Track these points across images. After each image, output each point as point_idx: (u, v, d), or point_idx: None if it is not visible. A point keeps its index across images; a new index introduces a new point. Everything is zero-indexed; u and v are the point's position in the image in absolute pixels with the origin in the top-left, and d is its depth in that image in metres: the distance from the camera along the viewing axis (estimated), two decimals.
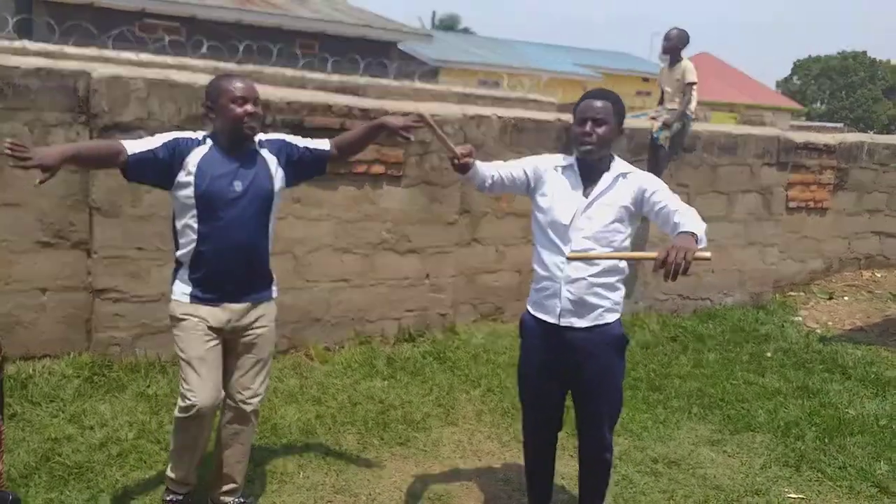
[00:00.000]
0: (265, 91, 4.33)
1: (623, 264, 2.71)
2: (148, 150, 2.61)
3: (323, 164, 2.94)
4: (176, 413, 2.75)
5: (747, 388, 4.73)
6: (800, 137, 6.48)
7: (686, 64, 5.66)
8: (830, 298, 6.66)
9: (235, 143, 2.69)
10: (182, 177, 2.63)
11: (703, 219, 2.44)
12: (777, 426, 4.15)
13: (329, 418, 3.86)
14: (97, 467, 3.21)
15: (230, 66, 8.10)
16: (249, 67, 8.38)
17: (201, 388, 2.67)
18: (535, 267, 2.77)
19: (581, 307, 2.66)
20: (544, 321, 2.72)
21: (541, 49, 28.32)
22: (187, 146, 2.66)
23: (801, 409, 4.39)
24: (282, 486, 3.21)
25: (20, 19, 13.23)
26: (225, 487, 2.90)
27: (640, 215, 2.70)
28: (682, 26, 5.79)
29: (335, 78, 8.88)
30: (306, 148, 2.88)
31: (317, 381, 4.31)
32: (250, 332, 2.79)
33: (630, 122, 5.76)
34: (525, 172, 2.80)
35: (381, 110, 4.53)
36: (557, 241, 2.67)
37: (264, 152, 2.77)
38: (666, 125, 5.53)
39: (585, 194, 2.68)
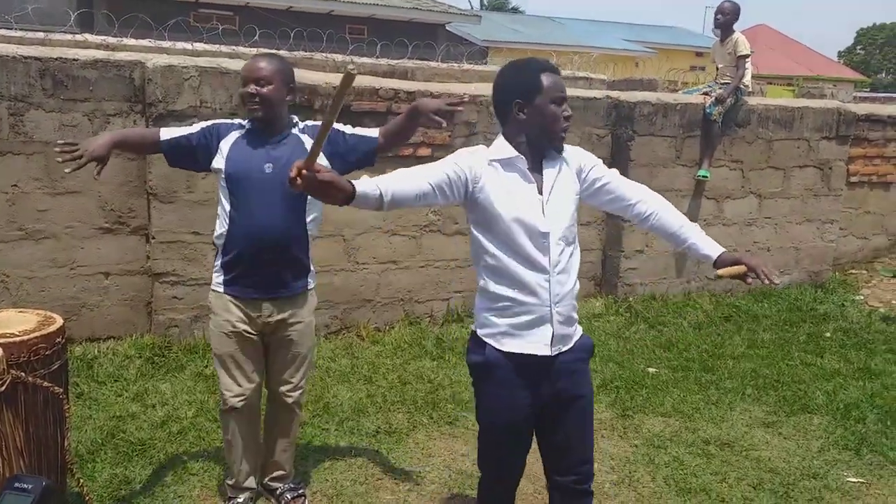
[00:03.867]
0: (312, 76, 4.39)
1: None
2: (181, 136, 2.65)
3: (373, 156, 2.79)
4: (220, 408, 2.84)
5: (804, 369, 4.61)
6: (861, 109, 6.22)
7: (738, 37, 5.48)
8: (895, 276, 6.40)
9: (268, 126, 2.65)
10: (218, 160, 2.65)
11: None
12: (836, 408, 4.04)
13: (380, 397, 3.93)
14: (159, 444, 3.34)
15: (281, 52, 8.19)
16: (300, 54, 8.47)
17: (232, 384, 2.72)
18: (506, 291, 2.15)
19: (568, 325, 2.21)
20: (528, 355, 2.15)
21: (591, 26, 27.83)
22: (225, 130, 2.67)
23: (862, 391, 4.26)
24: (334, 463, 3.29)
25: (81, 13, 13.69)
26: (274, 474, 2.94)
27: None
28: None
29: (384, 62, 8.90)
30: (354, 135, 2.75)
31: (367, 360, 4.38)
32: (287, 329, 2.74)
33: (682, 97, 5.63)
34: (449, 176, 2.08)
35: (426, 92, 4.54)
36: (536, 253, 2.12)
37: (305, 137, 2.70)
38: (718, 100, 5.37)
39: (540, 190, 2.16)
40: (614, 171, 2.31)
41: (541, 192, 2.16)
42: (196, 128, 2.70)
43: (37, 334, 2.41)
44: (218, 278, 2.73)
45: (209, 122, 2.74)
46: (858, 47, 44.95)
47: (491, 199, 2.11)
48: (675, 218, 2.30)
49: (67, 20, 9.59)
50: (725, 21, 5.54)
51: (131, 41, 7.64)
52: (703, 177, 5.46)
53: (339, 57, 8.62)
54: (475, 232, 2.20)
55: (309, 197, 2.63)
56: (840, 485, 3.30)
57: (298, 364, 2.81)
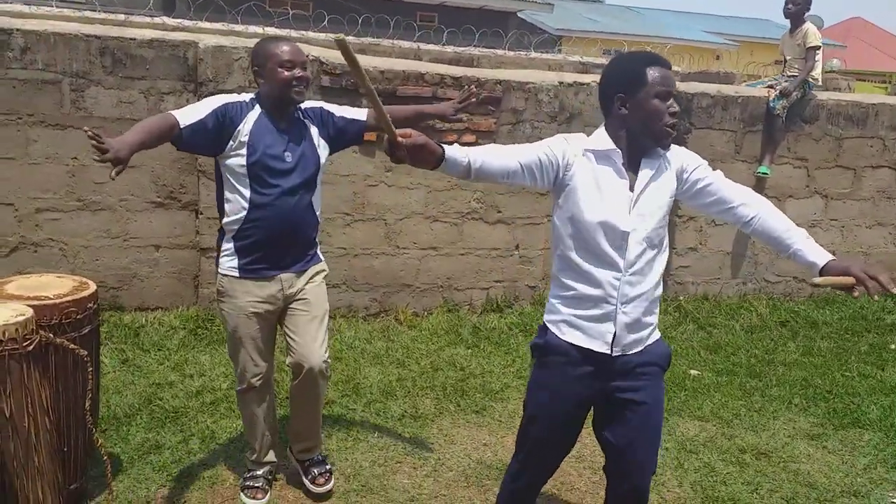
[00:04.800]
0: (360, 60, 4.41)
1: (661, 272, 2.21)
2: (199, 121, 2.54)
3: (360, 136, 2.86)
4: (236, 388, 2.87)
5: (861, 381, 4.35)
6: None
7: (808, 27, 5.19)
8: None
9: (282, 108, 2.66)
10: (233, 145, 2.59)
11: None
12: (890, 425, 3.80)
13: (410, 382, 3.94)
14: (191, 413, 3.46)
15: (349, 38, 8.28)
16: (367, 40, 8.55)
17: (252, 366, 2.76)
18: (573, 283, 2.14)
19: (636, 330, 2.14)
20: (588, 350, 2.14)
21: (671, 17, 26.98)
22: (237, 113, 2.61)
23: None
24: (356, 443, 3.32)
25: None
26: (301, 445, 2.96)
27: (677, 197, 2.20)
28: None
29: (450, 49, 8.88)
30: (343, 118, 2.81)
31: (403, 344, 4.40)
32: (302, 293, 2.78)
33: (745, 89, 5.39)
34: (541, 159, 2.08)
35: (473, 78, 4.50)
36: (611, 251, 2.08)
37: (307, 122, 2.73)
38: (783, 94, 5.11)
39: (631, 187, 2.10)
40: (718, 172, 2.21)
41: (632, 190, 2.09)
42: (207, 109, 2.57)
43: (69, 298, 2.53)
44: (231, 262, 2.72)
45: (218, 104, 2.60)
46: None
47: (577, 189, 2.09)
48: (779, 222, 2.13)
49: (147, 3, 9.99)
50: (796, 10, 5.25)
51: (206, 24, 7.87)
52: (763, 174, 5.21)
53: (405, 43, 8.66)
54: (556, 219, 2.18)
55: (318, 182, 2.75)
56: None
57: (317, 326, 2.79)
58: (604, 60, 10.57)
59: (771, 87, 5.29)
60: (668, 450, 3.44)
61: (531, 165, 2.08)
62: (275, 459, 2.98)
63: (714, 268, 5.40)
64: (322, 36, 8.04)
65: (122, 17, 7.32)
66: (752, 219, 2.13)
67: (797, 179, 5.43)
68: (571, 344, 2.15)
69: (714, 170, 2.21)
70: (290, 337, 2.79)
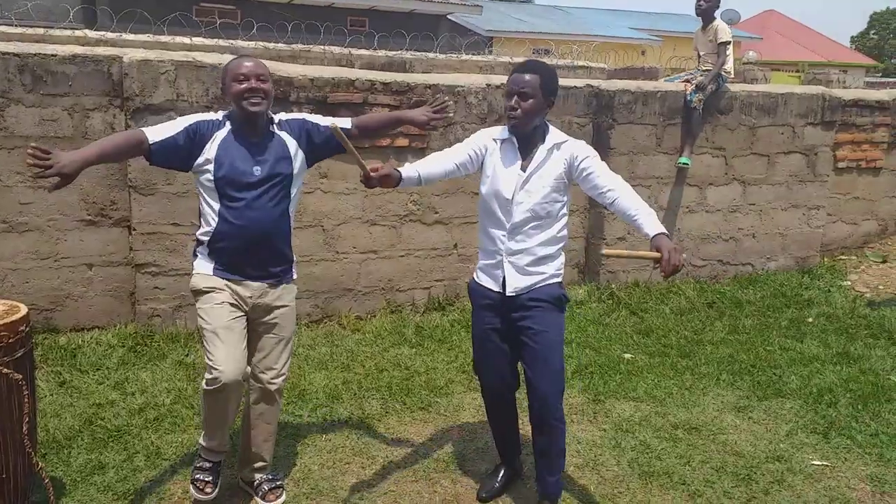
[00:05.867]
0: (289, 69, 4.44)
1: (564, 232, 2.80)
2: (169, 137, 2.62)
3: (341, 149, 2.79)
4: (203, 386, 2.72)
5: (782, 354, 4.63)
6: (848, 95, 6.19)
7: (719, 23, 5.48)
8: (884, 262, 6.38)
9: (249, 122, 2.70)
10: (202, 161, 2.65)
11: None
12: (809, 393, 4.06)
13: (355, 384, 3.99)
14: (135, 430, 3.43)
15: (279, 46, 8.25)
16: (297, 46, 8.51)
17: (227, 359, 2.64)
18: (481, 240, 2.86)
19: (523, 276, 2.75)
20: (489, 289, 2.82)
21: (598, 15, 27.66)
22: (208, 130, 2.68)
23: (838, 376, 4.28)
24: (304, 448, 3.36)
25: (83, 9, 13.78)
26: (254, 465, 2.97)
27: (572, 183, 2.76)
28: None
29: (381, 54, 8.94)
30: (328, 127, 2.78)
31: (347, 348, 4.45)
32: (272, 312, 2.81)
33: (664, 85, 5.63)
34: (471, 153, 2.79)
35: (403, 83, 4.58)
36: (500, 214, 2.73)
37: (283, 134, 2.77)
38: (699, 87, 5.38)
39: (523, 168, 2.73)
40: (601, 164, 2.71)
41: (524, 170, 2.72)
42: (179, 127, 2.66)
43: (0, 323, 2.49)
44: (205, 264, 2.76)
45: (191, 121, 2.70)
46: (872, 32, 44.32)
47: (486, 168, 2.79)
48: (632, 201, 2.62)
49: (67, 17, 9.70)
50: (707, 8, 5.53)
51: (130, 36, 7.70)
52: (684, 164, 5.47)
53: (336, 49, 8.67)
54: (480, 192, 2.85)
55: (293, 195, 2.82)
56: (803, 467, 3.33)
57: (281, 349, 2.86)
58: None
59: (687, 81, 5.55)
60: (605, 431, 3.61)
61: (465, 162, 2.79)
62: (226, 450, 2.92)
63: None
64: (251, 44, 7.99)
65: (41, 31, 7.11)
66: (613, 201, 2.66)
67: (716, 168, 5.72)
68: (479, 284, 2.88)
69: (599, 160, 2.73)
70: (255, 354, 2.84)
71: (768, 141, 5.81)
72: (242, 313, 2.78)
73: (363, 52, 8.84)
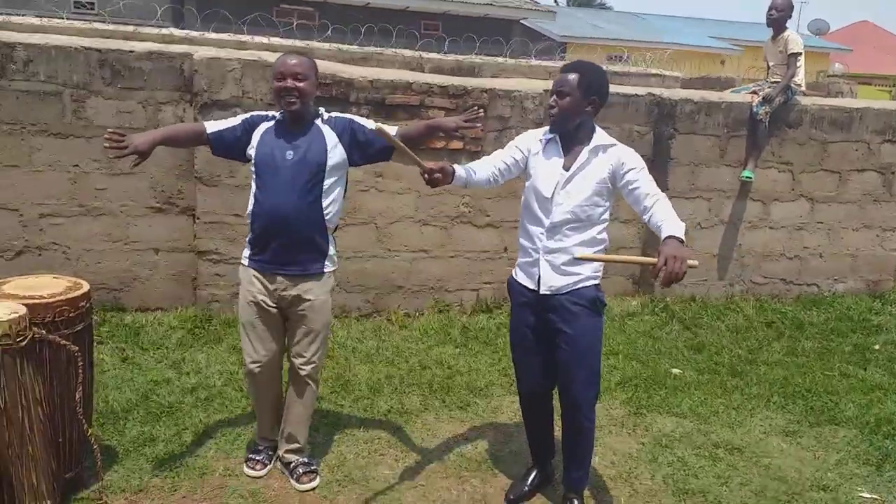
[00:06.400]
0: (350, 70, 4.57)
1: (603, 235, 2.76)
2: (227, 129, 2.90)
3: (389, 152, 2.98)
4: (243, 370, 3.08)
5: (842, 380, 4.44)
6: None
7: (790, 34, 5.30)
8: None
9: (294, 117, 2.86)
10: (249, 149, 2.88)
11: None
12: (866, 422, 3.89)
13: (397, 379, 4.07)
14: (186, 408, 3.60)
15: (352, 48, 8.45)
16: (370, 49, 8.70)
17: (251, 351, 2.97)
18: (520, 237, 2.88)
19: (559, 276, 2.74)
20: (525, 286, 2.84)
21: (676, 22, 27.08)
22: (259, 121, 2.91)
23: None
24: (342, 437, 3.45)
25: (172, 7, 14.45)
26: (288, 447, 3.12)
27: (616, 189, 2.72)
28: None
29: (451, 57, 9.03)
30: (372, 130, 2.88)
31: (393, 344, 4.54)
32: (300, 304, 2.92)
33: (730, 96, 5.50)
34: (515, 156, 2.84)
35: (459, 87, 4.64)
36: (539, 213, 2.75)
37: (325, 128, 2.90)
38: (766, 99, 5.22)
39: (565, 167, 2.73)
40: (647, 177, 2.65)
41: (566, 169, 2.72)
42: (238, 119, 2.94)
43: (62, 298, 2.67)
44: (245, 252, 2.99)
45: (248, 114, 2.96)
46: None
47: (529, 167, 2.83)
48: (663, 212, 2.52)
49: (154, 15, 10.20)
50: (779, 17, 5.36)
51: (212, 35, 8.06)
52: (747, 178, 5.32)
53: (407, 52, 8.82)
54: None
55: (326, 185, 2.89)
56: (850, 499, 3.20)
57: (311, 339, 2.98)
58: (604, 67, 10.72)
59: (755, 92, 5.39)
60: (643, 444, 3.56)
61: (506, 168, 2.86)
62: (276, 437, 3.16)
63: (700, 270, 5.50)
64: (326, 46, 8.23)
65: (131, 28, 7.53)
66: (650, 216, 2.57)
67: (782, 183, 5.53)
68: (517, 281, 2.89)
69: (646, 173, 2.67)
70: (289, 340, 3.02)
71: (840, 157, 5.58)
72: (271, 306, 2.93)
73: (433, 55, 8.95)
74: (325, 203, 2.89)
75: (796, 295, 5.76)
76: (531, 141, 2.86)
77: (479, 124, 3.04)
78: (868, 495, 3.24)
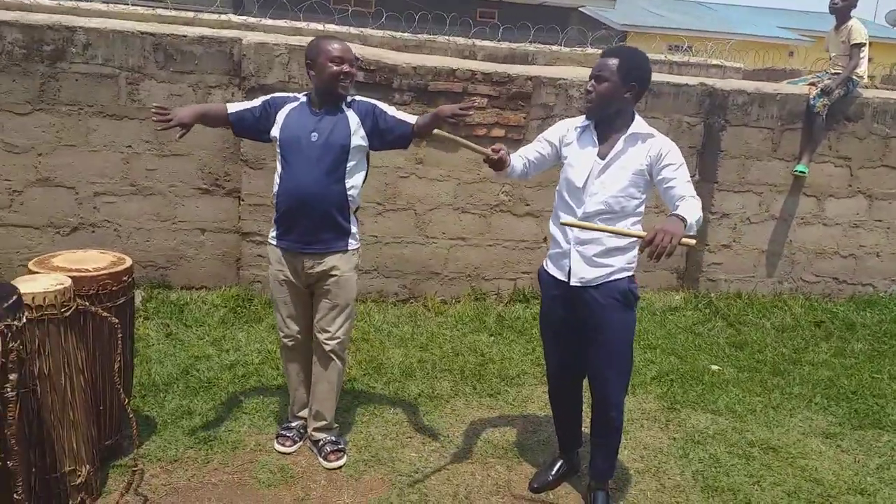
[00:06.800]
0: (392, 56, 4.60)
1: (638, 227, 2.66)
2: (245, 109, 2.98)
3: (407, 140, 3.05)
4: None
5: (891, 383, 4.28)
6: None
7: (854, 24, 5.07)
8: None
9: (326, 99, 2.93)
10: (274, 129, 2.95)
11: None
12: None
13: (430, 364, 4.11)
14: (223, 384, 3.72)
15: (405, 35, 8.49)
16: (423, 37, 8.72)
17: (283, 326, 3.13)
18: (551, 227, 2.83)
19: (590, 267, 2.69)
20: (556, 277, 2.79)
21: (744, 12, 26.28)
22: (282, 103, 2.98)
23: None
24: (372, 418, 3.51)
25: None
26: (316, 424, 3.19)
27: (653, 182, 2.63)
28: None
29: (504, 45, 8.98)
30: (394, 118, 2.99)
31: (428, 329, 4.57)
32: (326, 280, 2.99)
33: (785, 87, 5.31)
34: (552, 144, 2.81)
35: (503, 74, 4.62)
36: (572, 203, 2.69)
37: (350, 112, 2.96)
38: (825, 92, 5.02)
39: (601, 155, 2.67)
40: (684, 174, 2.56)
41: (602, 158, 2.66)
42: (258, 101, 3.03)
43: (106, 272, 2.80)
44: (272, 232, 3.07)
45: (269, 96, 3.05)
46: None
47: (564, 155, 2.78)
48: (684, 203, 2.44)
49: (214, 1, 10.46)
50: (843, 6, 5.13)
51: (269, 22, 8.22)
52: (801, 172, 5.13)
53: (460, 40, 8.81)
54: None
55: (349, 167, 2.95)
56: None
57: (336, 314, 3.05)
58: (658, 56, 10.50)
59: (813, 84, 5.19)
60: (675, 440, 3.50)
61: (536, 158, 2.83)
62: (307, 416, 3.24)
63: (748, 266, 5.35)
64: (379, 33, 8.29)
65: (191, 14, 7.74)
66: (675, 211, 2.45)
67: (838, 178, 5.32)
68: (547, 272, 2.86)
69: (684, 170, 2.58)
70: (314, 317, 3.09)
71: None
72: (299, 285, 3.04)
73: (486, 43, 8.91)
74: (347, 184, 2.96)
75: (850, 295, 5.55)
76: (564, 130, 2.81)
77: (471, 112, 2.94)
78: None
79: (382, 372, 3.98)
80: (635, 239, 2.64)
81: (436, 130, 2.64)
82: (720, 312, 5.14)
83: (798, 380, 4.24)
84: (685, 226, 2.28)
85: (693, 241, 2.27)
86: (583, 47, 10.29)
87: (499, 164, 2.68)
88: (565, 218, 2.65)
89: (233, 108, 3.00)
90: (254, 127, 3.00)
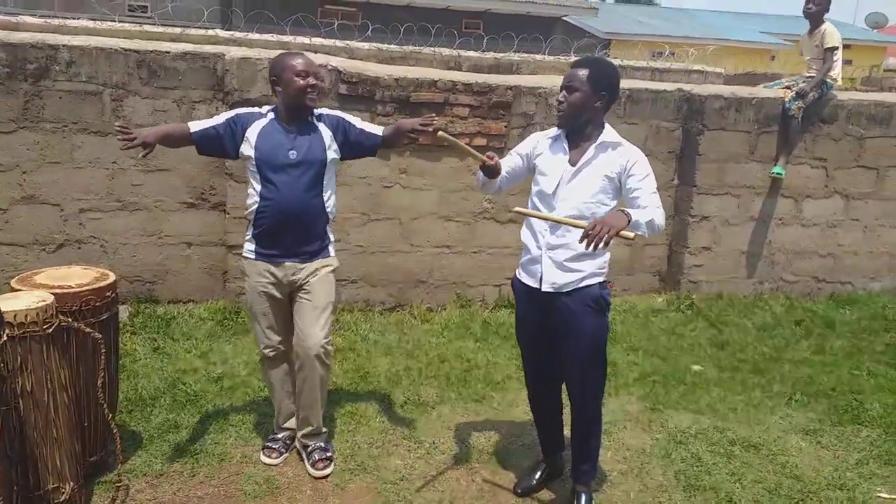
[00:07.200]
0: (374, 69, 4.66)
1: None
2: (209, 128, 2.98)
3: (374, 149, 3.15)
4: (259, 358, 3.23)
5: (869, 379, 4.35)
6: None
7: (827, 27, 5.18)
8: None
9: (295, 114, 2.97)
10: (245, 147, 2.96)
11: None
12: (891, 422, 3.81)
13: (416, 371, 4.14)
14: (210, 396, 3.74)
15: (391, 47, 8.55)
16: (408, 48, 8.78)
17: (264, 338, 3.15)
18: (524, 233, 2.88)
19: (562, 272, 2.73)
20: (528, 285, 2.82)
21: (726, 17, 26.53)
22: (248, 120, 2.99)
23: None
24: (358, 426, 3.54)
25: (220, 10, 14.82)
26: (304, 430, 3.21)
27: (622, 191, 2.71)
28: None
29: (489, 55, 9.06)
30: (362, 131, 3.09)
31: (414, 337, 4.61)
32: (308, 279, 3.04)
33: (760, 91, 5.41)
34: (522, 157, 2.88)
35: (484, 84, 4.69)
36: (543, 209, 2.75)
37: (321, 125, 3.02)
38: (800, 95, 5.11)
39: (571, 162, 2.73)
40: (649, 185, 2.66)
41: (572, 165, 2.72)
42: (222, 118, 3.02)
43: (89, 288, 2.83)
44: (250, 246, 3.10)
45: (232, 113, 3.04)
46: None
47: (536, 165, 2.84)
48: (643, 210, 2.57)
49: (201, 17, 10.50)
50: (816, 11, 5.24)
51: (255, 36, 8.26)
52: (778, 174, 5.22)
53: (445, 51, 8.88)
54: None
55: (325, 180, 3.04)
56: (868, 499, 3.15)
57: (317, 315, 3.05)
58: (640, 63, 10.62)
59: (788, 87, 5.29)
60: (657, 440, 3.55)
61: (511, 170, 2.88)
62: (293, 427, 3.27)
63: (729, 267, 5.43)
64: (366, 46, 8.36)
65: (178, 30, 7.78)
66: None
67: (815, 180, 5.41)
68: (520, 280, 2.89)
69: (650, 180, 2.68)
70: (294, 323, 3.10)
71: (878, 153, 5.43)
72: (280, 296, 3.07)
73: (471, 53, 8.98)
74: (325, 196, 3.05)
75: (829, 293, 5.63)
76: (534, 143, 2.88)
77: (430, 128, 3.00)
78: (887, 495, 3.18)
79: (368, 380, 4.02)
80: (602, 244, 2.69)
81: (440, 133, 2.67)
82: (702, 313, 5.21)
83: (778, 378, 4.30)
84: (629, 222, 2.38)
85: (631, 235, 2.37)
86: (566, 56, 10.41)
87: (494, 171, 2.76)
88: (517, 208, 2.73)
89: (195, 126, 2.99)
90: (217, 144, 3.00)
